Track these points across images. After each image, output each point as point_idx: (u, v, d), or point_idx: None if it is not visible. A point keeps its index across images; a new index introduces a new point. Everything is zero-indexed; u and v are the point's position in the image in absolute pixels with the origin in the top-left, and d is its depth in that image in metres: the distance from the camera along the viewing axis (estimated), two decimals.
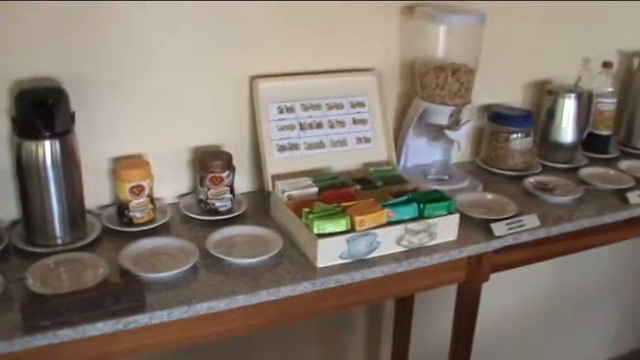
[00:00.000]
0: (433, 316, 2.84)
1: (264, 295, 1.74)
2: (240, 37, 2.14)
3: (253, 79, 2.17)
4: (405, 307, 2.80)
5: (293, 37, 2.22)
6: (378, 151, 2.33)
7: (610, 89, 2.79)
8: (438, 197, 2.01)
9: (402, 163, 2.41)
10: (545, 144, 2.69)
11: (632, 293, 3.77)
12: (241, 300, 1.71)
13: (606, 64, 2.78)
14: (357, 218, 1.85)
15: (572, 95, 2.64)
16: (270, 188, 2.13)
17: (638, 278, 3.74)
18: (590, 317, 3.63)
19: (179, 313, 1.65)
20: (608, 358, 3.83)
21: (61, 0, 1.86)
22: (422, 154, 2.46)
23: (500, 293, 3.03)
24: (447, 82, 2.28)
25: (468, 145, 2.62)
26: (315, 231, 1.83)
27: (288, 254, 1.89)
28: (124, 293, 1.63)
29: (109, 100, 2.01)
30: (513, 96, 2.75)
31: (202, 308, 1.67)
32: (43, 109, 1.76)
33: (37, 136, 1.78)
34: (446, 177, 2.40)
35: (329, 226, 1.84)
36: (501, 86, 2.70)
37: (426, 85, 2.32)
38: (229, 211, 2.09)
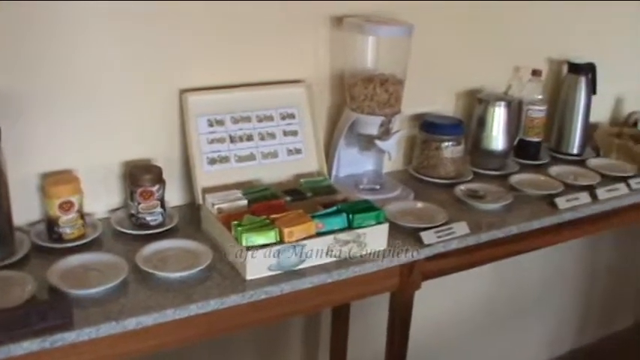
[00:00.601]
0: (370, 323, 2.85)
1: (193, 309, 1.74)
2: (169, 50, 2.14)
3: (183, 92, 2.17)
4: (341, 316, 2.81)
5: (223, 49, 2.22)
6: (309, 162, 2.34)
7: (540, 97, 2.84)
8: (367, 207, 2.03)
9: (334, 173, 2.42)
10: (477, 152, 2.72)
11: (570, 294, 3.83)
12: (170, 314, 1.71)
13: (535, 72, 2.84)
14: (286, 230, 1.86)
15: (502, 103, 2.68)
16: (201, 201, 2.13)
17: (575, 279, 3.81)
18: (528, 319, 3.68)
19: (107, 328, 1.64)
20: (547, 359, 3.89)
21: None
22: (354, 164, 2.48)
23: (437, 299, 3.06)
24: (376, 92, 2.30)
25: (400, 154, 2.65)
26: (244, 243, 1.83)
27: (218, 267, 1.89)
28: (51, 310, 1.62)
29: (38, 115, 1.99)
30: (445, 105, 2.79)
31: (131, 323, 1.67)
32: None
33: None
34: (377, 186, 2.41)
35: (258, 239, 1.84)
36: (433, 95, 2.74)
37: (355, 96, 2.34)
38: (160, 224, 2.08)
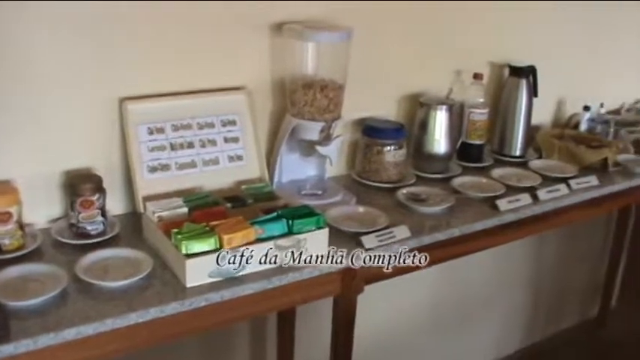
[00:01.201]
0: (317, 325, 2.84)
1: (133, 318, 1.73)
2: (109, 59, 2.13)
3: (123, 100, 2.16)
4: (286, 319, 2.81)
5: (163, 57, 2.22)
6: (251, 168, 2.34)
7: (481, 100, 2.86)
8: (307, 213, 2.04)
9: (276, 179, 2.43)
10: (420, 155, 2.74)
11: (516, 294, 3.86)
12: (110, 323, 1.71)
13: (477, 76, 2.86)
14: (225, 237, 1.86)
15: (444, 107, 2.71)
16: (142, 210, 2.13)
17: (521, 279, 3.84)
18: (475, 320, 3.71)
19: (46, 340, 1.63)
20: (495, 359, 3.92)
21: None
22: (296, 169, 2.49)
23: (383, 302, 3.07)
24: (316, 98, 2.31)
25: (343, 159, 2.67)
26: (184, 251, 1.83)
27: (159, 275, 1.89)
28: None
29: None
30: (388, 109, 2.81)
31: (70, 334, 1.66)
32: None
33: None
34: (320, 192, 2.42)
35: (197, 246, 1.85)
36: (375, 100, 2.75)
37: (296, 102, 2.35)
38: (101, 234, 2.07)
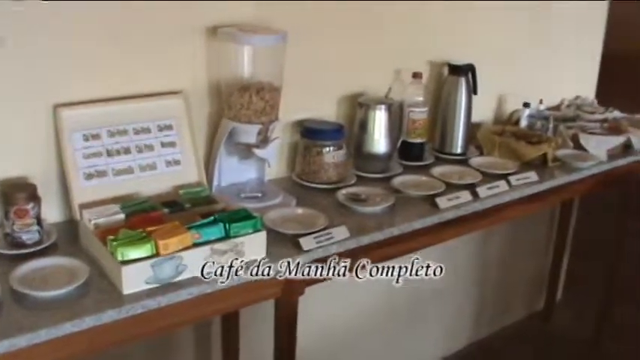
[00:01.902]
0: (261, 327, 2.84)
1: (68, 327, 1.71)
2: (42, 65, 2.10)
3: (56, 107, 2.14)
4: (230, 324, 2.80)
5: (98, 63, 2.20)
6: (189, 173, 2.33)
7: (421, 99, 2.88)
8: (244, 216, 2.04)
9: (215, 183, 2.42)
10: (360, 155, 2.75)
11: (463, 290, 3.89)
12: (44, 334, 1.68)
13: (416, 75, 2.88)
14: (161, 242, 1.86)
15: (383, 106, 2.72)
16: (79, 217, 2.11)
17: (468, 275, 3.87)
18: (423, 317, 3.71)
19: None
20: (444, 356, 3.94)
21: None
22: (236, 173, 2.48)
23: (328, 302, 3.07)
24: (252, 101, 2.31)
25: (282, 160, 2.67)
26: (119, 258, 1.82)
27: (96, 283, 1.88)
28: None
29: None
30: (327, 110, 2.81)
31: (2, 347, 1.63)
32: None
33: None
34: (259, 194, 2.42)
35: (133, 252, 1.83)
36: (314, 101, 2.76)
37: (232, 105, 2.34)
38: (37, 243, 2.04)
